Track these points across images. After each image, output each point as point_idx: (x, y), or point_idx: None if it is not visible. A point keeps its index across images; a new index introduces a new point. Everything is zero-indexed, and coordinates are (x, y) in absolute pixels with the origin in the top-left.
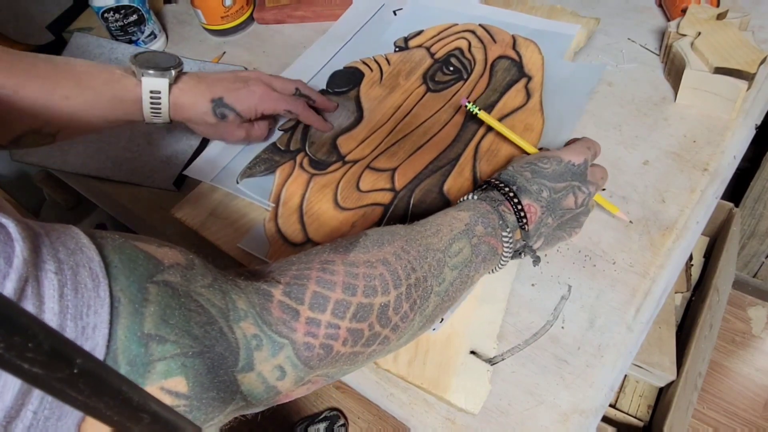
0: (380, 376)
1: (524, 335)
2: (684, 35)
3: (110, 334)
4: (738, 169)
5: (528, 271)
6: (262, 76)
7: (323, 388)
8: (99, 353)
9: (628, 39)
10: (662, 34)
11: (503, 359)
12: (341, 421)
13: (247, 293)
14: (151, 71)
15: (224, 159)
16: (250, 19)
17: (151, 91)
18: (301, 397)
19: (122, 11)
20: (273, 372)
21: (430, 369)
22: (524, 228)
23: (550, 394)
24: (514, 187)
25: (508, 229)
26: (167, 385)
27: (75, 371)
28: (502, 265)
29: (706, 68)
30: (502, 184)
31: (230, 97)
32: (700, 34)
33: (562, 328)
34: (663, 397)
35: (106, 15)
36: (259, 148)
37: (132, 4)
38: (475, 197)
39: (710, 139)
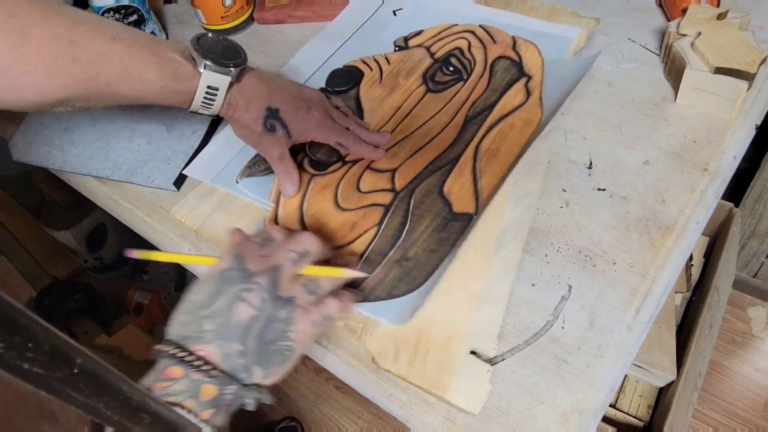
0: (380, 376)
1: (524, 335)
2: (684, 35)
3: None
4: (738, 169)
5: (528, 271)
6: (324, 102)
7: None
8: None
9: (628, 39)
10: (662, 34)
11: (503, 359)
12: None
13: None
14: (213, 64)
15: (224, 159)
16: (250, 19)
17: (209, 87)
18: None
19: (122, 11)
20: None
21: (430, 369)
22: (211, 375)
23: (550, 394)
24: (173, 347)
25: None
26: None
27: (75, 371)
28: None
29: (706, 68)
30: (162, 350)
31: (287, 113)
32: (700, 34)
33: (562, 328)
34: (663, 397)
35: (106, 15)
36: None
37: (132, 4)
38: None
39: (710, 139)
